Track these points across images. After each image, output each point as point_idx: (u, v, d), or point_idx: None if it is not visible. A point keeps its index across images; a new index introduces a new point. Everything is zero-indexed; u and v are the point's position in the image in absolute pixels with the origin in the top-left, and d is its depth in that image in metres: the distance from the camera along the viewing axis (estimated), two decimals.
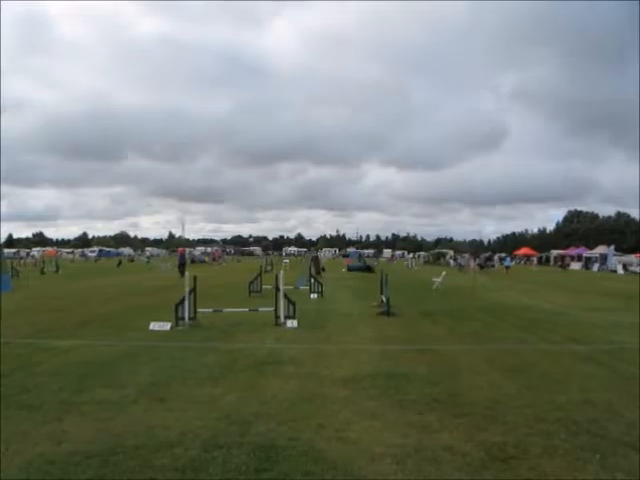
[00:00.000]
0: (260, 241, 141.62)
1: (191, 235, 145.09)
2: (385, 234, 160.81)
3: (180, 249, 39.34)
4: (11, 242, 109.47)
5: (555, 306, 14.76)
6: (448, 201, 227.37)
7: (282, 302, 10.17)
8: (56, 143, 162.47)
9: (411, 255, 79.80)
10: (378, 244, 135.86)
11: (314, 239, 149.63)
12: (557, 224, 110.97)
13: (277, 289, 10.29)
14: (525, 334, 9.63)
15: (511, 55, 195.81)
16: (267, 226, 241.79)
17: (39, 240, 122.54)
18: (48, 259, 51.43)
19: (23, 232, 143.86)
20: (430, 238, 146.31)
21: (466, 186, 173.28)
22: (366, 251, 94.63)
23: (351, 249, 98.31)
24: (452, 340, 8.89)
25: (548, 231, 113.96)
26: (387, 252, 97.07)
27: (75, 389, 5.59)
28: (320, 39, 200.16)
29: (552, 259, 65.82)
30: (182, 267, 28.86)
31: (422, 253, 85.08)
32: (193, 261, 53.25)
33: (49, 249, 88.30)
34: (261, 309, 10.71)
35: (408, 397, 5.33)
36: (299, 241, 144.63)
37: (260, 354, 7.39)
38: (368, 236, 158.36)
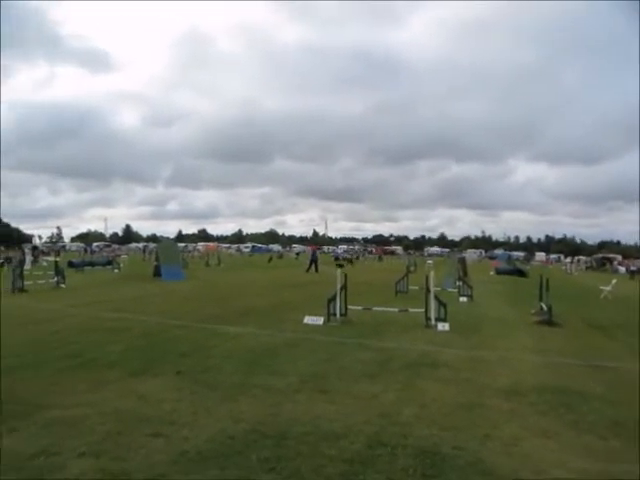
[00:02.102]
0: (401, 240, 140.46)
1: (333, 233, 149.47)
2: (537, 235, 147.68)
3: (312, 246, 41.15)
4: (181, 237, 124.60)
5: None
6: (612, 199, 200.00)
7: (433, 304, 9.94)
8: (215, 148, 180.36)
9: (569, 259, 72.22)
10: (529, 246, 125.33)
11: (457, 239, 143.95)
12: None
13: (427, 290, 10.09)
14: None
15: None
16: (407, 225, 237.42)
17: (203, 236, 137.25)
18: (211, 253, 57.48)
19: (190, 228, 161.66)
20: (591, 241, 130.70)
21: (636, 182, 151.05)
22: (515, 253, 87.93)
23: (499, 251, 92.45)
24: (632, 357, 7.79)
25: None
26: (540, 255, 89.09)
27: (245, 372, 6.12)
28: (459, 29, 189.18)
29: None
30: (314, 263, 30.47)
31: (582, 257, 76.39)
32: (337, 259, 54.88)
33: (211, 244, 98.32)
34: (411, 310, 10.60)
35: (585, 418, 4.80)
36: (442, 241, 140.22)
37: (413, 355, 7.31)
38: (517, 237, 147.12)
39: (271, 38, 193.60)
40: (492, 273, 33.76)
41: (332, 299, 10.42)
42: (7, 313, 10.87)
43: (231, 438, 4.07)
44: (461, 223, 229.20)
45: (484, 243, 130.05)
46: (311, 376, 6.02)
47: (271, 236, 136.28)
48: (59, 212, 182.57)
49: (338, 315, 10.29)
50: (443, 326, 9.63)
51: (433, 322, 9.84)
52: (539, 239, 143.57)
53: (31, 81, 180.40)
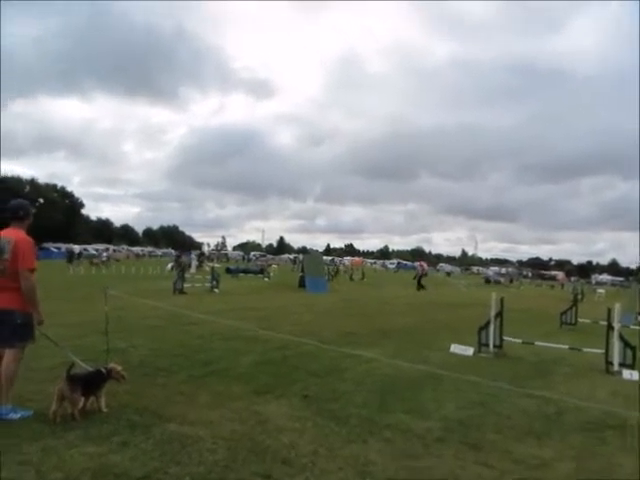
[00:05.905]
0: (562, 265, 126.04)
1: (483, 254, 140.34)
2: None
3: (419, 262, 40.57)
4: (329, 251, 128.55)
5: None
6: None
7: (617, 344, 7.97)
8: (361, 166, 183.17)
9: None
10: None
11: (632, 266, 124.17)
12: None
13: (609, 326, 8.15)
14: None
15: None
16: (568, 248, 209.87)
17: (349, 250, 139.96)
18: (355, 267, 57.81)
19: (337, 243, 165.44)
20: None
21: None
22: None
23: None
24: None
25: None
26: None
27: (377, 407, 5.28)
28: (623, 29, 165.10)
29: None
30: (420, 280, 29.89)
31: None
32: (487, 281, 51.12)
33: (356, 258, 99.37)
34: (586, 349, 8.68)
35: None
36: (613, 267, 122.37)
37: (594, 411, 5.70)
38: None
39: (422, 55, 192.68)
40: None
41: (484, 327, 9.06)
42: (164, 315, 11.62)
43: None
44: (634, 248, 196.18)
45: None
46: (458, 423, 4.93)
47: (417, 253, 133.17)
48: (225, 223, 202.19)
49: (491, 346, 8.89)
50: (631, 375, 7.62)
51: (616, 368, 7.88)
52: None
53: (206, 109, 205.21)
